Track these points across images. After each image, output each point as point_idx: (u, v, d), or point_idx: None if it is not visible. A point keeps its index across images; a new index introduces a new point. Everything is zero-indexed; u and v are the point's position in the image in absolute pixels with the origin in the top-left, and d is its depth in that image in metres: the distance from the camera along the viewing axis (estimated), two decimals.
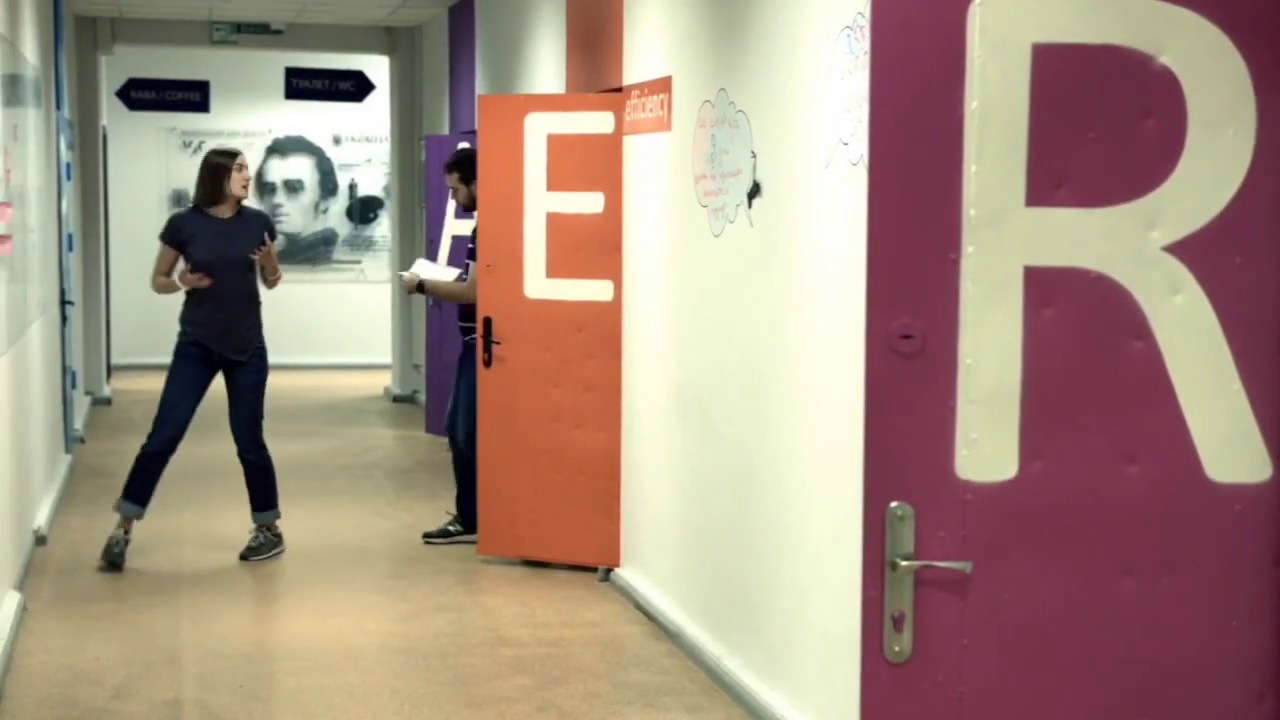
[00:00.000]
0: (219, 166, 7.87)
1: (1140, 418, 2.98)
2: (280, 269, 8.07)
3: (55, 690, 5.97)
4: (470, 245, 8.19)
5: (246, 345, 7.92)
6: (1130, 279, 2.96)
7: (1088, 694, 3.02)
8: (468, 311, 8.16)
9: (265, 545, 8.14)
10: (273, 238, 7.98)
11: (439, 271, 8.61)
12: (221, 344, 7.85)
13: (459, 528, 8.46)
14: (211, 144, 17.88)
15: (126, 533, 7.86)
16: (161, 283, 7.94)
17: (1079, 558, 2.99)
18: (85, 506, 9.31)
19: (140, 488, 7.85)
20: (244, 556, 8.06)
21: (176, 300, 7.98)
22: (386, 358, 15.55)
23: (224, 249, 7.80)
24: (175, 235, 7.86)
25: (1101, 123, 2.93)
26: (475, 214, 8.18)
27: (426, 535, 8.47)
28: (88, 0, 13.33)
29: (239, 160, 7.91)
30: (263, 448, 8.07)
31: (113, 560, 7.75)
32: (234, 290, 7.84)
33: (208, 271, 7.78)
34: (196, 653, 6.48)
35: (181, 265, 7.89)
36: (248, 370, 7.94)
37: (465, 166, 8.31)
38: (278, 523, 8.25)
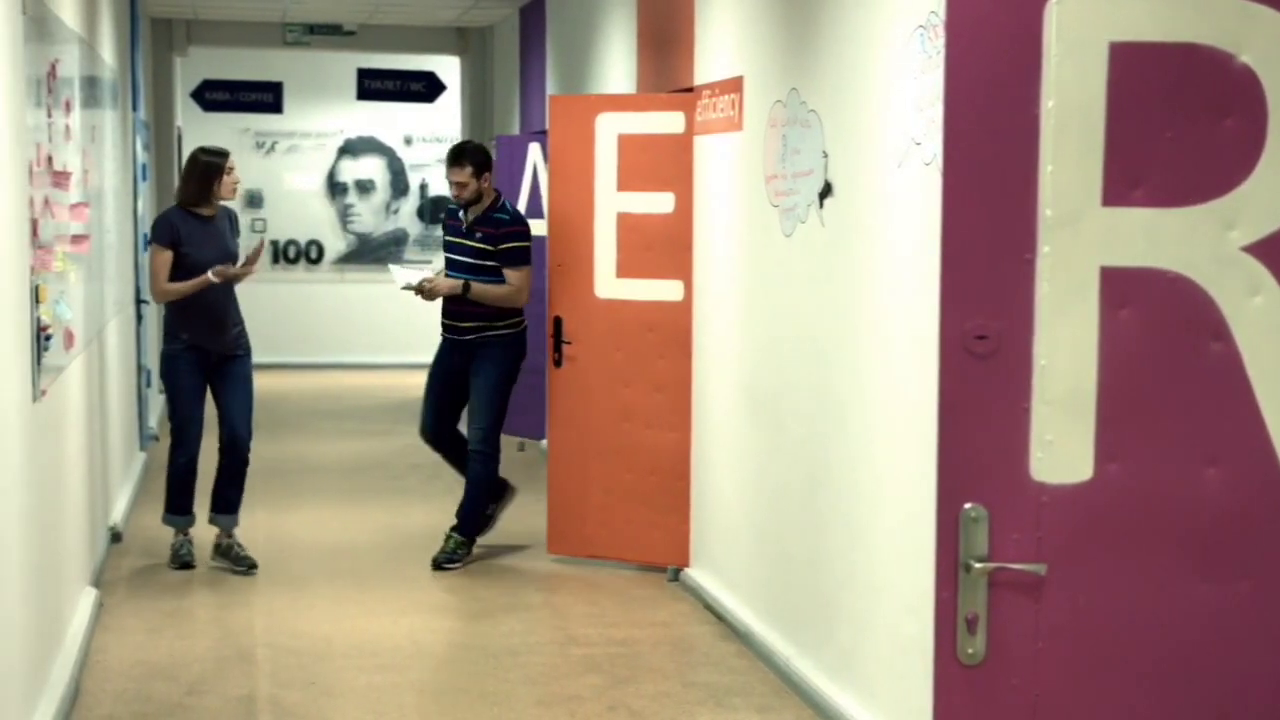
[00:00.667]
0: (211, 166, 7.70)
1: (1218, 420, 2.95)
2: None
3: (131, 685, 6.03)
4: (510, 247, 7.75)
5: (238, 339, 7.86)
6: (1208, 279, 2.93)
7: (1163, 699, 2.99)
8: (476, 310, 7.82)
9: (237, 554, 7.90)
10: (237, 233, 7.93)
11: (412, 275, 8.09)
12: (218, 343, 7.74)
13: (466, 549, 7.98)
14: (284, 145, 18.07)
15: (186, 536, 7.91)
16: (168, 290, 7.62)
17: (1155, 561, 2.96)
18: (159, 504, 9.38)
19: (183, 500, 7.89)
20: (243, 565, 7.86)
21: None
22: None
23: (218, 248, 7.68)
24: (171, 237, 7.61)
25: (1179, 122, 2.91)
26: (466, 213, 7.82)
27: (436, 562, 7.90)
28: (163, 3, 13.47)
29: (229, 162, 7.76)
30: (250, 441, 7.94)
31: (184, 562, 7.83)
32: (223, 288, 7.71)
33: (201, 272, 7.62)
34: (269, 649, 6.53)
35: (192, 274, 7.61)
36: (241, 361, 7.87)
37: (483, 158, 7.81)
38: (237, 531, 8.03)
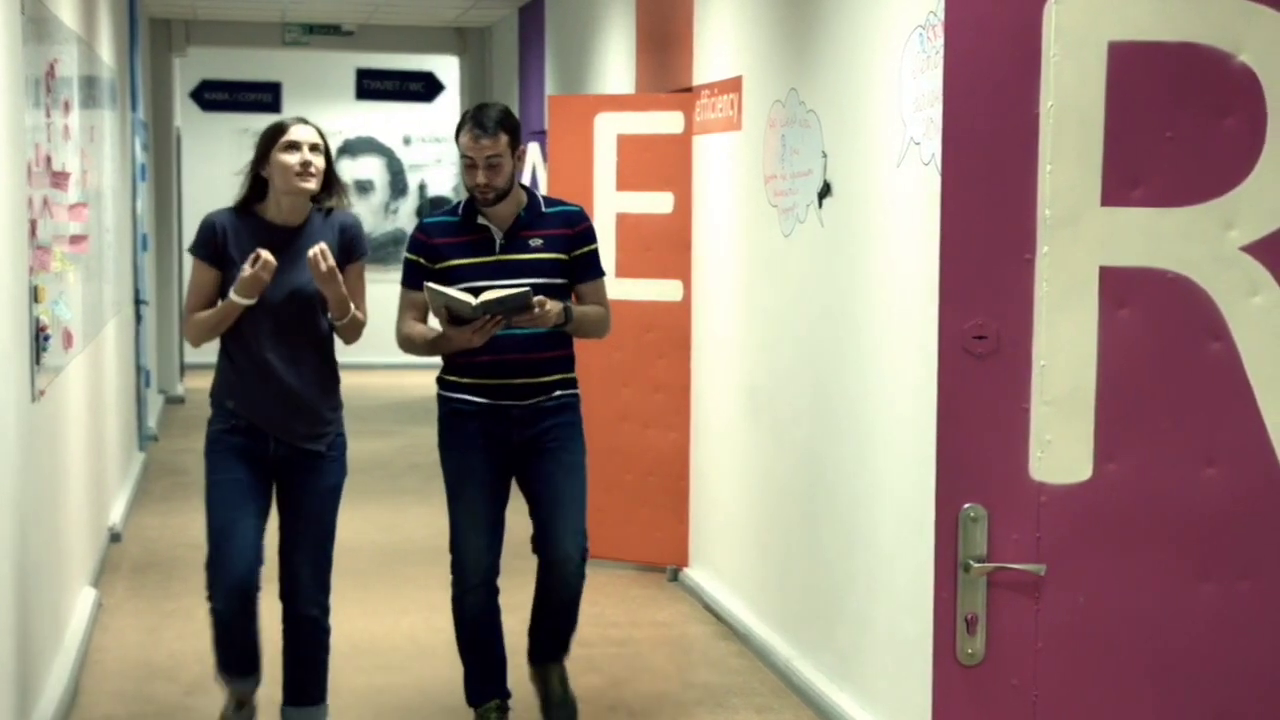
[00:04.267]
0: (263, 137, 5.02)
1: (1217, 420, 2.95)
2: (360, 311, 5.03)
3: (130, 686, 6.03)
4: (592, 250, 5.30)
5: (323, 428, 5.05)
6: (1208, 279, 2.93)
7: (1162, 699, 2.99)
8: (553, 358, 5.21)
9: None
10: (354, 252, 5.05)
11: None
12: (285, 426, 4.97)
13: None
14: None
15: (241, 706, 5.20)
16: (193, 322, 4.97)
17: (1154, 561, 2.96)
18: (159, 504, 9.41)
19: (234, 656, 5.06)
20: None
21: None
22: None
23: (287, 274, 4.92)
24: (210, 246, 4.98)
25: (1179, 122, 2.91)
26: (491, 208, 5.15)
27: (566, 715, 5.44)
28: (162, 3, 13.47)
29: (295, 132, 4.95)
30: (327, 599, 5.13)
31: None
32: (301, 340, 4.98)
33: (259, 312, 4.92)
34: (269, 649, 6.53)
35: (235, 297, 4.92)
36: (322, 471, 5.05)
37: (516, 126, 5.18)
38: None
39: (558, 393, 5.20)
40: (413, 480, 10.53)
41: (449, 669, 6.30)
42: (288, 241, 4.95)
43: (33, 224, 5.44)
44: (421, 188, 18.07)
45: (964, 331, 2.92)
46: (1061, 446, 2.93)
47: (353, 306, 4.98)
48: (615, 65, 9.24)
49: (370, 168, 18.00)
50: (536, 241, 5.17)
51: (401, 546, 8.44)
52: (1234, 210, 2.92)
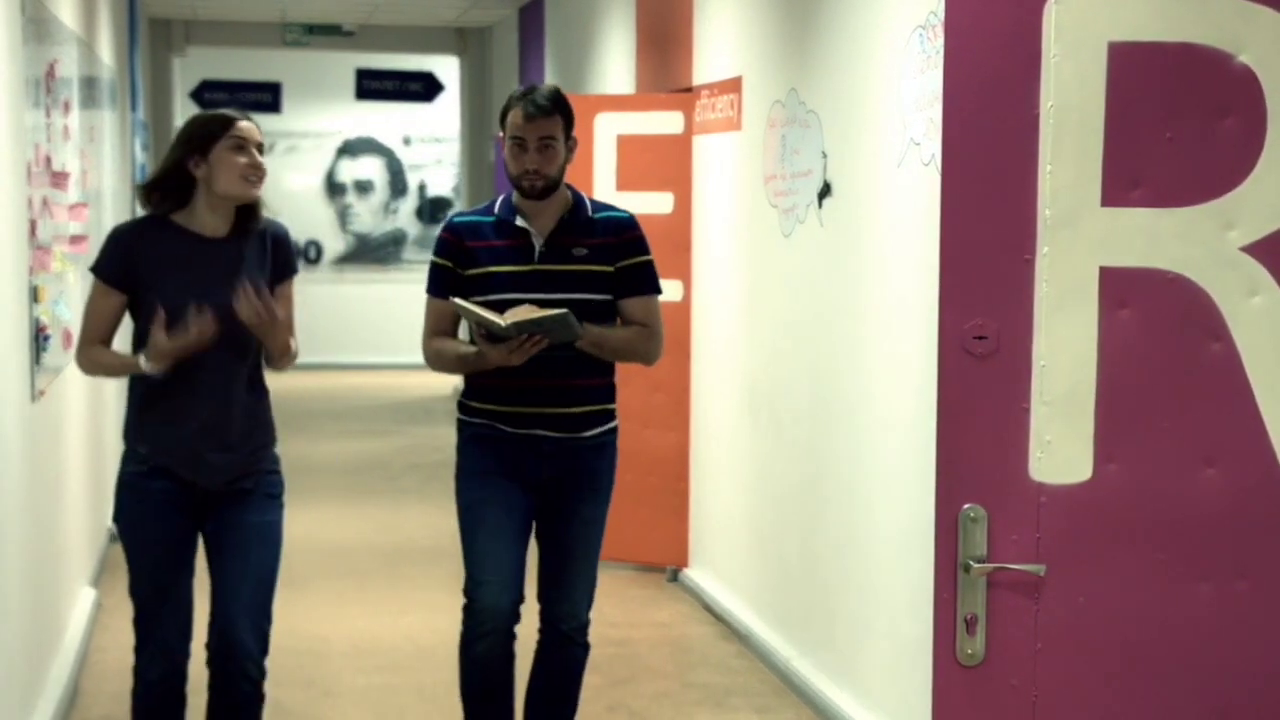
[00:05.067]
0: (200, 129, 4.26)
1: (1217, 420, 2.94)
2: (293, 340, 4.39)
3: (129, 686, 6.02)
4: (640, 263, 4.59)
5: (250, 464, 4.39)
6: (1208, 280, 2.92)
7: (1162, 699, 2.99)
8: (586, 386, 4.60)
9: None
10: (286, 270, 4.40)
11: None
12: (205, 469, 4.29)
13: None
14: (283, 145, 18.01)
15: None
16: (94, 359, 4.31)
17: (1154, 561, 2.96)
18: None
19: None
20: None
21: None
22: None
23: (213, 292, 4.20)
24: (117, 266, 4.27)
25: (1179, 122, 2.90)
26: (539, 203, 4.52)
27: None
28: (162, 3, 13.47)
29: (240, 127, 4.24)
30: (265, 658, 4.45)
31: None
32: (230, 367, 4.28)
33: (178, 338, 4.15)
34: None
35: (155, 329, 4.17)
36: (253, 508, 4.40)
37: (571, 113, 4.53)
38: None
39: (596, 430, 4.58)
40: (412, 480, 10.53)
41: (448, 670, 6.29)
42: (215, 257, 4.25)
43: (32, 224, 5.44)
44: (421, 188, 18.08)
45: (964, 332, 2.92)
46: (1061, 447, 2.92)
47: (291, 340, 4.35)
48: (615, 65, 9.24)
49: (370, 168, 18.01)
50: (581, 250, 4.51)
51: (401, 546, 8.44)
52: (1234, 210, 2.92)
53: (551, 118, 4.44)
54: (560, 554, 4.64)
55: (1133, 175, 2.91)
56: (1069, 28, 2.88)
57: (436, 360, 4.66)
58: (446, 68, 15.98)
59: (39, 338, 5.47)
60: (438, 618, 7.07)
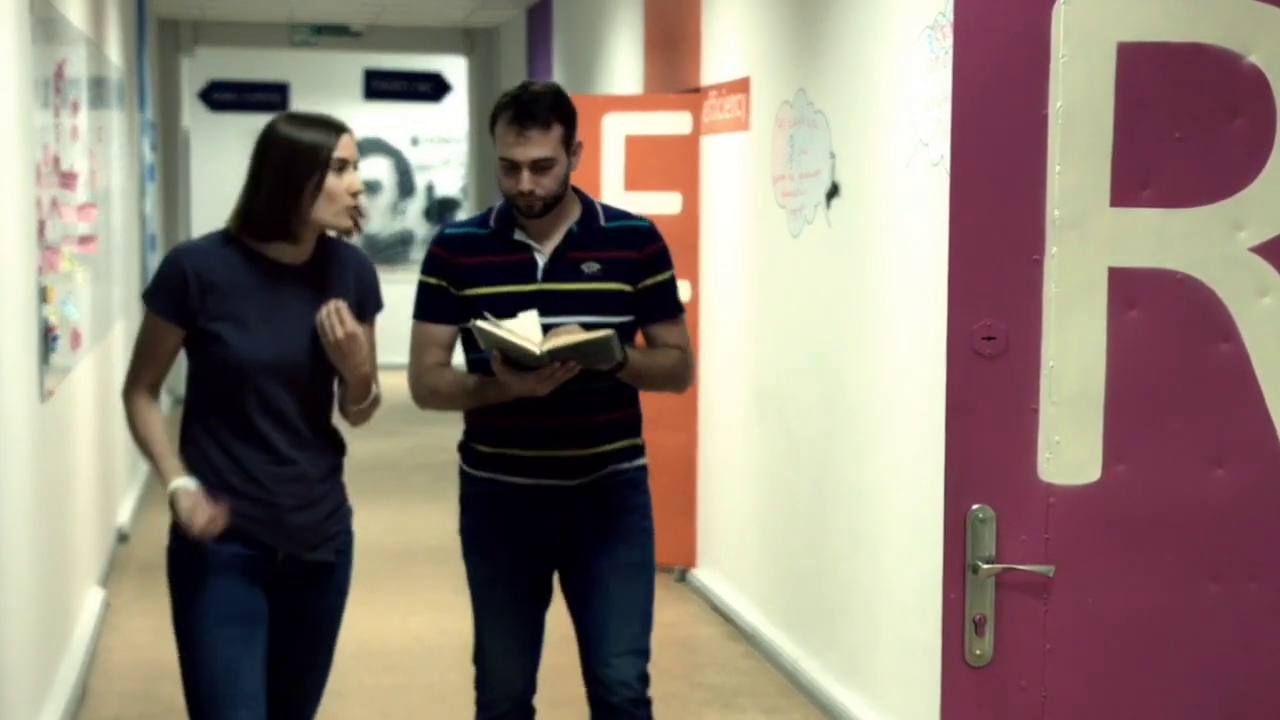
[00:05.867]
0: (304, 151, 3.63)
1: (1226, 421, 2.94)
2: (375, 384, 3.79)
3: (138, 685, 6.03)
4: (665, 280, 4.13)
5: (328, 531, 3.83)
6: (1217, 280, 2.92)
7: (1171, 700, 2.98)
8: (609, 422, 3.98)
9: None
10: (373, 305, 3.79)
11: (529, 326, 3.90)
12: (285, 532, 3.71)
13: None
14: None
15: None
16: (139, 417, 3.78)
17: (1163, 562, 2.95)
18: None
19: None
20: None
21: None
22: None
23: (294, 326, 3.64)
24: (179, 297, 3.61)
25: (1188, 122, 2.90)
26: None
27: None
28: (171, 3, 13.48)
29: (343, 144, 3.69)
30: None
31: None
32: (309, 416, 3.71)
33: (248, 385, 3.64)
34: None
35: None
36: (325, 588, 3.87)
37: (572, 114, 3.91)
38: None
39: (623, 465, 3.97)
40: (420, 480, 10.53)
41: (456, 670, 6.30)
42: (296, 284, 3.64)
43: (41, 224, 5.45)
44: (429, 188, 18.09)
45: (972, 332, 2.91)
46: (1070, 447, 2.92)
47: (374, 384, 3.76)
48: (623, 66, 9.24)
49: (378, 168, 18.03)
50: (592, 266, 3.91)
51: (410, 547, 8.44)
52: (1243, 211, 2.91)
53: (547, 131, 3.79)
54: (595, 613, 3.99)
55: (1142, 175, 2.90)
56: (1078, 28, 2.88)
57: (433, 397, 3.95)
58: (454, 68, 15.99)
59: (48, 338, 5.48)
60: (446, 618, 7.07)
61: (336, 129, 3.67)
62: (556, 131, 3.81)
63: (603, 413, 3.92)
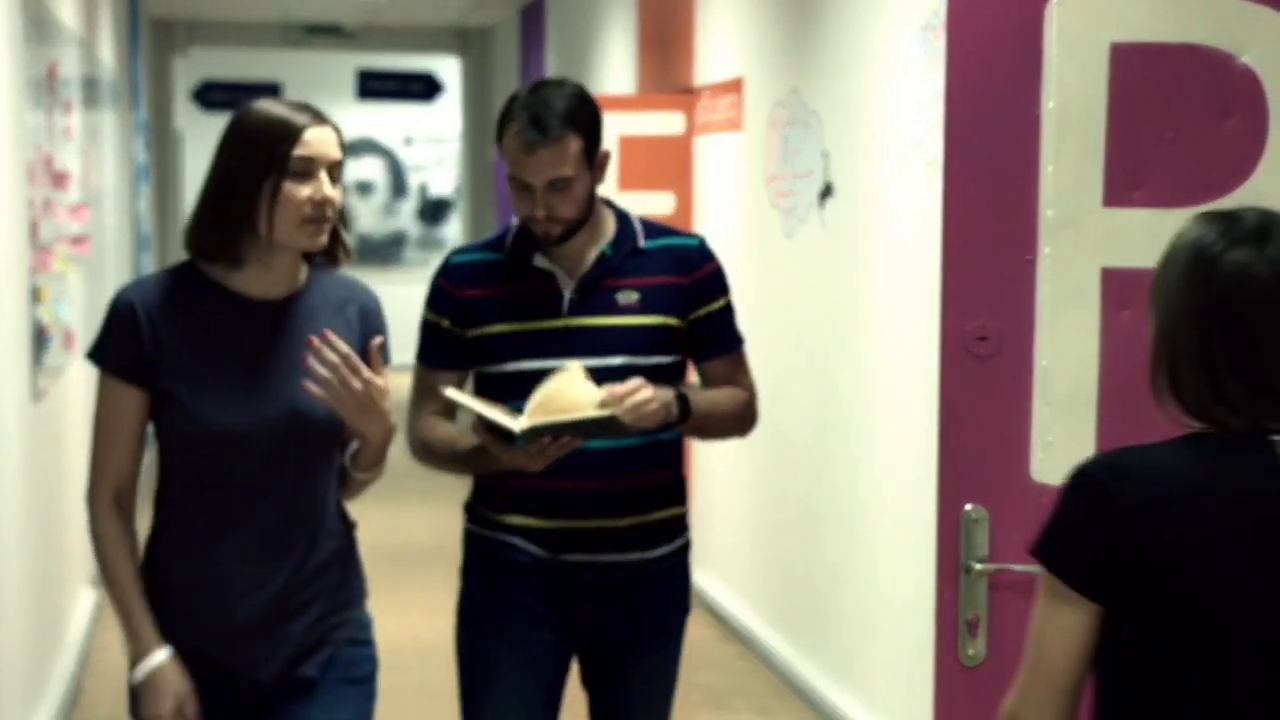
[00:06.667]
0: (261, 141, 2.78)
1: None
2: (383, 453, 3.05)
3: None
4: (722, 308, 3.44)
5: (326, 634, 2.99)
6: None
7: None
8: (650, 484, 3.26)
9: None
10: (384, 357, 2.94)
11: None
12: (259, 648, 2.90)
13: None
14: None
15: None
16: (106, 535, 3.07)
17: None
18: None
19: None
20: None
21: None
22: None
23: (276, 384, 2.85)
24: (135, 352, 2.83)
25: (1181, 123, 2.90)
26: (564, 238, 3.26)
27: None
28: (164, 3, 13.47)
29: (311, 134, 2.81)
30: None
31: None
32: (300, 495, 2.98)
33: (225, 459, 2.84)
34: None
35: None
36: (340, 700, 3.06)
37: (593, 120, 3.18)
38: None
39: (666, 549, 3.30)
40: (413, 481, 10.50)
41: (451, 670, 6.29)
42: (270, 326, 2.84)
43: (34, 225, 5.44)
44: (422, 189, 18.09)
45: (966, 332, 2.91)
46: (1063, 447, 2.92)
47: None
48: (616, 66, 9.24)
49: (371, 168, 18.02)
50: (629, 296, 3.20)
51: (403, 548, 8.44)
52: None
53: (562, 144, 3.07)
54: (609, 712, 3.39)
55: (1135, 176, 2.91)
56: (1071, 28, 2.88)
57: (425, 455, 3.28)
58: (448, 68, 15.98)
59: (40, 338, 5.48)
60: (440, 618, 7.05)
61: (299, 125, 2.79)
62: (574, 145, 3.09)
63: (633, 476, 3.19)
